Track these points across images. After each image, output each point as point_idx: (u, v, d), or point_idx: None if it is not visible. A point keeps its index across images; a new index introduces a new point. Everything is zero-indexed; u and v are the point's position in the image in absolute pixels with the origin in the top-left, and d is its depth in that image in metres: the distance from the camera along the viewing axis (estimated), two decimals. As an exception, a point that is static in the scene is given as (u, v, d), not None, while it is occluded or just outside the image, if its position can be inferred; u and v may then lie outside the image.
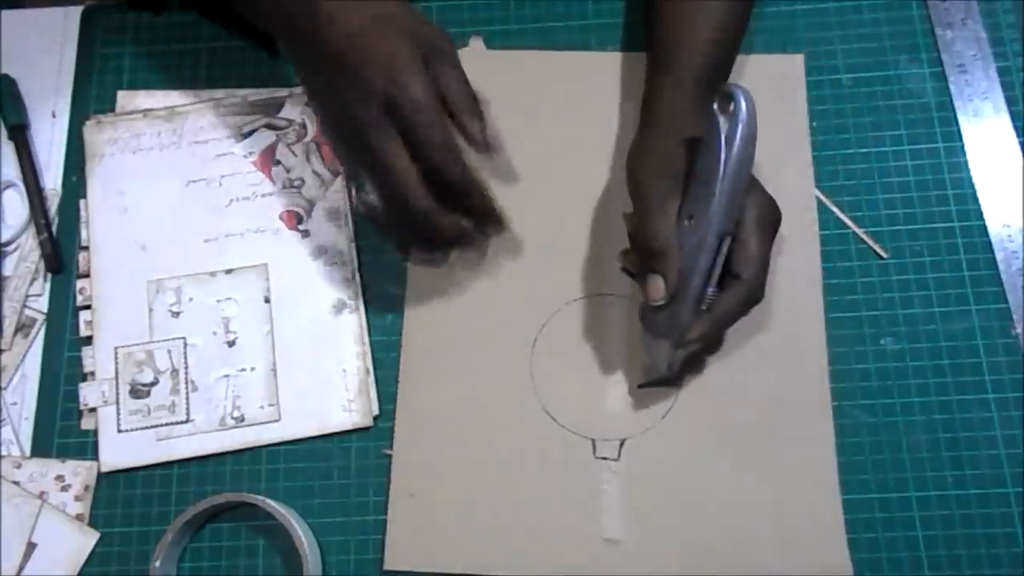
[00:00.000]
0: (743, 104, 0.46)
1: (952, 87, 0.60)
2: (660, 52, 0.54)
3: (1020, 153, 0.59)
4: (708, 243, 0.48)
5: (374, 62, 0.48)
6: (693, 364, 0.55)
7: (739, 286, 0.49)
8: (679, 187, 0.50)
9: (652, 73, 0.55)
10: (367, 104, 0.48)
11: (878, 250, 0.57)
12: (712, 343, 0.55)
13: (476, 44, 0.63)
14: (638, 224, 0.50)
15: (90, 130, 0.62)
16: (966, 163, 0.59)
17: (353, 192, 0.54)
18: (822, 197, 0.58)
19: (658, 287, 0.49)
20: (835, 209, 0.58)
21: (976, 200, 0.58)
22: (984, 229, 0.57)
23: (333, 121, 0.52)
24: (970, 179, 0.58)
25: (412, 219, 0.50)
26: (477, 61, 0.62)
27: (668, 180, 0.50)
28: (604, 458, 0.54)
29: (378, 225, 0.53)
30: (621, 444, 0.54)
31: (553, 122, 0.61)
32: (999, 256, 0.57)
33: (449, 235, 0.52)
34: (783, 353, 0.55)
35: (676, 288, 0.49)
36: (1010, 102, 0.60)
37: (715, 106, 0.47)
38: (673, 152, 0.50)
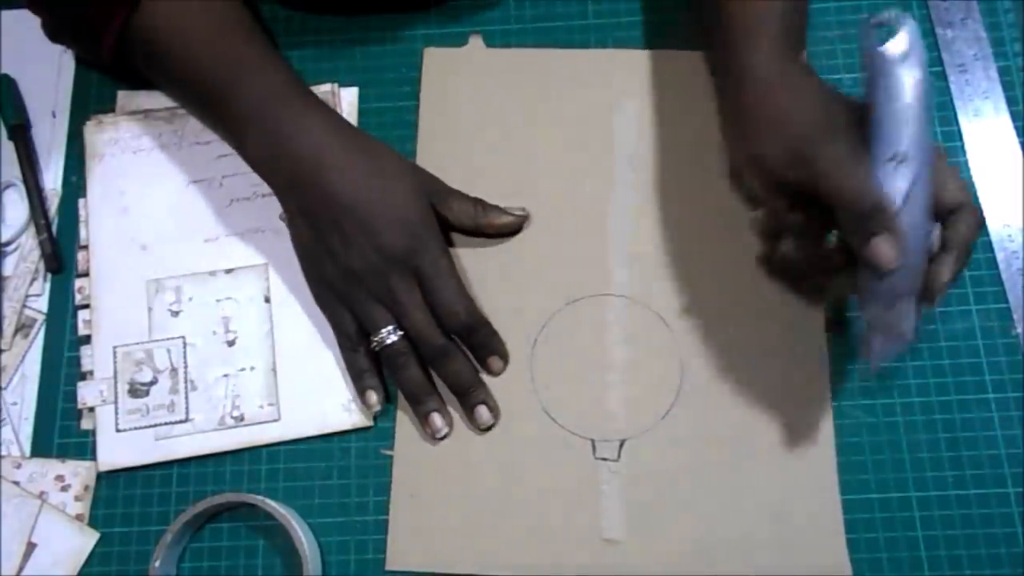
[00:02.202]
0: (910, 27, 0.43)
1: (952, 87, 0.60)
2: (737, 23, 0.52)
3: (1020, 153, 0.59)
4: (926, 178, 0.45)
5: (389, 215, 0.53)
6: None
7: (967, 212, 0.47)
8: (863, 141, 0.46)
9: (735, 42, 0.52)
10: (384, 256, 0.52)
11: (878, 250, 0.57)
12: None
13: (476, 43, 0.63)
14: (832, 185, 0.46)
15: (91, 130, 0.62)
16: (966, 163, 0.59)
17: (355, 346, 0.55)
18: (822, 197, 0.58)
19: (887, 249, 0.44)
20: (835, 209, 0.58)
21: (976, 200, 0.58)
22: (984, 229, 0.57)
23: (332, 271, 0.53)
24: (970, 179, 0.58)
25: (431, 356, 0.54)
26: (477, 60, 0.62)
27: (848, 133, 0.46)
28: (604, 458, 0.54)
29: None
30: (621, 444, 0.54)
31: (553, 121, 0.61)
32: (999, 256, 0.57)
33: (465, 374, 0.54)
34: (783, 353, 0.55)
35: (904, 251, 0.44)
36: (1010, 102, 0.60)
37: (875, 42, 0.44)
38: (837, 107, 0.48)
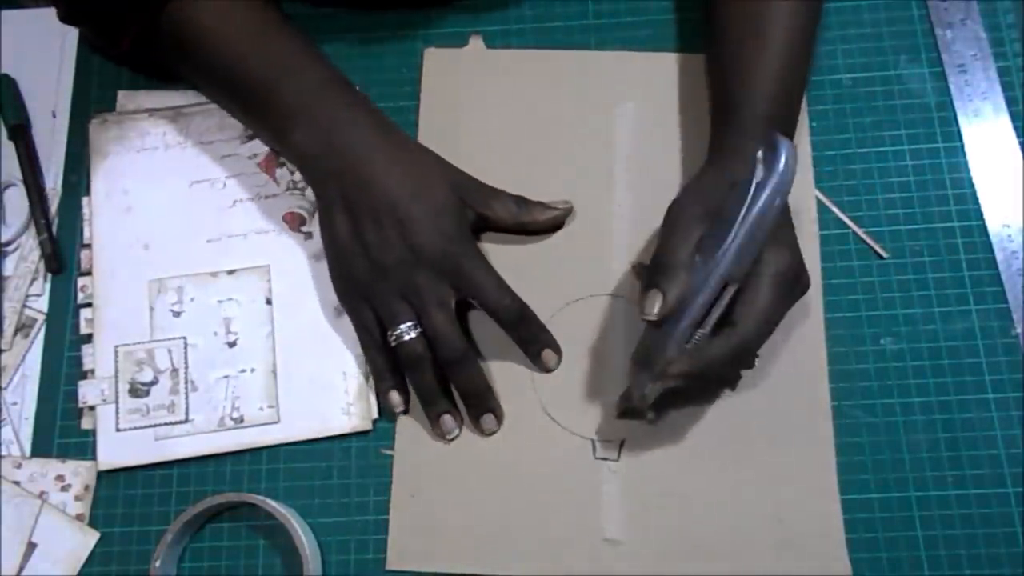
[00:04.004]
0: (783, 157, 0.45)
1: (952, 87, 0.60)
2: (726, 103, 0.54)
3: (1020, 153, 0.59)
4: (709, 284, 0.47)
5: (429, 214, 0.53)
6: (666, 403, 0.54)
7: (732, 334, 0.48)
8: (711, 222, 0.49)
9: (718, 120, 0.54)
10: (417, 254, 0.52)
11: (878, 250, 0.57)
12: (696, 390, 0.54)
13: (476, 43, 0.63)
14: (659, 240, 0.50)
15: (95, 128, 0.61)
16: (966, 163, 0.59)
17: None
18: (822, 197, 0.58)
19: (654, 302, 0.48)
20: (835, 209, 0.58)
21: (976, 200, 0.58)
22: (984, 229, 0.57)
23: (361, 264, 0.53)
24: (970, 179, 0.58)
25: (448, 359, 0.53)
26: (477, 61, 0.62)
27: (703, 209, 0.49)
28: (604, 458, 0.54)
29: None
30: (621, 444, 0.54)
31: (553, 122, 0.61)
32: (999, 256, 0.57)
33: (479, 380, 0.54)
34: (783, 353, 0.55)
35: (670, 313, 0.48)
36: (1010, 102, 0.60)
37: (759, 153, 0.47)
38: (717, 186, 0.50)
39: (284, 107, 0.55)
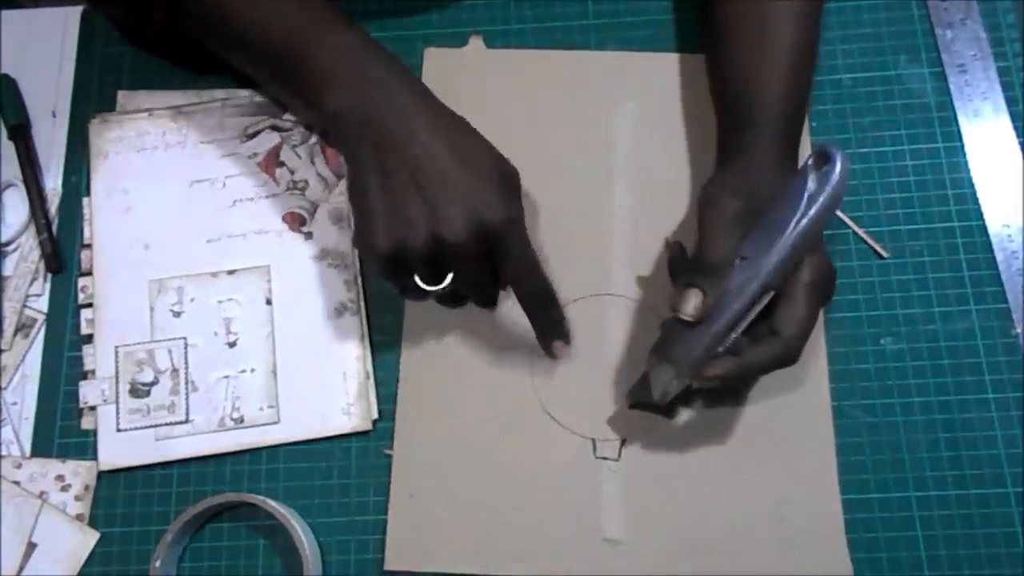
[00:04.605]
0: (838, 168, 0.45)
1: (952, 87, 0.60)
2: (736, 104, 0.54)
3: (1020, 153, 0.59)
4: (750, 289, 0.47)
5: (478, 180, 0.50)
6: (687, 399, 0.54)
7: (776, 342, 0.48)
8: (753, 221, 0.49)
9: (730, 122, 0.54)
10: (456, 223, 0.49)
11: (878, 250, 0.57)
12: (727, 392, 0.54)
13: (476, 44, 0.63)
14: (701, 236, 0.50)
15: (95, 128, 0.61)
16: (966, 163, 0.59)
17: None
18: (822, 197, 0.58)
19: (694, 302, 0.47)
20: (835, 209, 0.58)
21: (976, 200, 0.58)
22: (984, 229, 0.57)
23: (387, 235, 0.50)
24: (970, 179, 0.58)
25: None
26: (477, 61, 0.62)
27: (748, 207, 0.49)
28: (604, 458, 0.54)
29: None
30: (621, 444, 0.54)
31: (553, 122, 0.61)
32: (999, 256, 0.57)
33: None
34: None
35: (707, 315, 0.47)
36: (1010, 102, 0.60)
37: (810, 161, 0.47)
38: (760, 186, 0.50)
39: (321, 65, 0.53)
